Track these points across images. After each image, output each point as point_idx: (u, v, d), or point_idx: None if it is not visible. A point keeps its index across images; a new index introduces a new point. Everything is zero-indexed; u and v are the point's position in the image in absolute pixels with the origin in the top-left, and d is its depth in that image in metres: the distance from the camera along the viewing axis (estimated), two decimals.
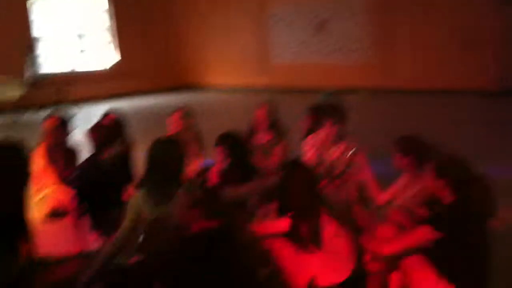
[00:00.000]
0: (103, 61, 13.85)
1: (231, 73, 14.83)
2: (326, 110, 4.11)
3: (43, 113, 10.59)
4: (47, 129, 4.61)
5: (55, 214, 4.24)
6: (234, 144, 3.85)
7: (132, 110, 11.59)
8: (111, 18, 13.89)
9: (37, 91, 11.04)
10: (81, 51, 13.43)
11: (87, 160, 4.02)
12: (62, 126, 4.64)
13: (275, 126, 4.98)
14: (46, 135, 4.63)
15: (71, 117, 4.85)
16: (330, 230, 2.84)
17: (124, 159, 4.23)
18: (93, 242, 3.64)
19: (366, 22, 12.20)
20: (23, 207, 3.33)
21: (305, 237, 2.84)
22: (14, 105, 10.48)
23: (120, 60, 13.98)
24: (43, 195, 4.54)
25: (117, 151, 4.04)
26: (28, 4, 12.14)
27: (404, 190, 3.51)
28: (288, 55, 14.00)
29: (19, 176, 3.16)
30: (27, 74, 10.78)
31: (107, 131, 4.02)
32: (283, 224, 2.93)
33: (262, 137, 5.01)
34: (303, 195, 2.87)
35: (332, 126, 4.01)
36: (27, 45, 10.99)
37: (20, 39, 11.15)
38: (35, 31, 12.38)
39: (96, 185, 3.82)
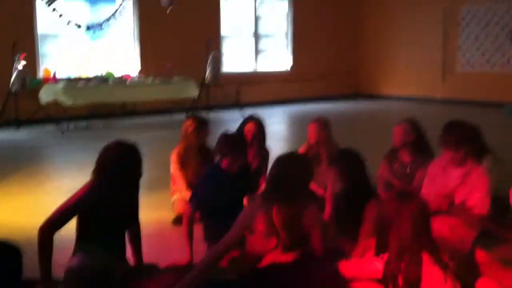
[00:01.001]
0: (279, 64, 14.07)
1: (409, 81, 14.10)
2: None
3: (220, 113, 11.12)
4: (184, 131, 4.70)
5: (179, 220, 4.30)
6: (354, 165, 3.43)
7: (300, 114, 11.62)
8: (289, 22, 14.03)
9: (216, 90, 11.51)
10: (259, 52, 13.75)
11: (210, 167, 3.97)
12: (200, 129, 4.69)
13: (419, 145, 4.45)
14: (183, 137, 4.72)
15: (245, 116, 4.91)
16: (433, 278, 2.38)
17: (248, 170, 4.09)
18: (203, 252, 3.57)
19: None
20: (135, 208, 3.38)
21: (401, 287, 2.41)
22: (193, 104, 11.07)
23: (295, 65, 14.08)
24: (173, 199, 4.65)
25: (243, 161, 3.91)
26: (220, 2, 12.71)
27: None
28: (476, 63, 12.88)
29: (132, 176, 3.20)
30: (207, 73, 11.27)
31: (237, 142, 3.88)
32: (377, 266, 2.52)
33: (404, 157, 4.52)
34: (411, 233, 2.44)
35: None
36: (208, 43, 11.44)
37: (205, 38, 11.65)
38: (222, 30, 12.92)
39: (216, 195, 3.74)
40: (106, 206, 3.08)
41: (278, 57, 14.08)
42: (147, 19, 11.59)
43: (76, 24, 10.86)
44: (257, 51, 13.69)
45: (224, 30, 13.01)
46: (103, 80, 10.27)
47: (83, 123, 10.06)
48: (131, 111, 11.12)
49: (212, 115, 10.40)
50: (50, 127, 9.55)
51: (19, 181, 6.09)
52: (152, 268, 3.37)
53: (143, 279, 3.17)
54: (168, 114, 11.00)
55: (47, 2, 10.41)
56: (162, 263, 3.44)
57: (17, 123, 9.57)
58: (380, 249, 2.57)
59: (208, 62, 11.29)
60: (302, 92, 13.85)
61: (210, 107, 11.55)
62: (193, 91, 10.95)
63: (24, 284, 3.01)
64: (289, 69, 14.07)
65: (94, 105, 10.34)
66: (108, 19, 11.25)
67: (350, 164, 3.41)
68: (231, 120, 9.74)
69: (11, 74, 9.31)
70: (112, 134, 9.24)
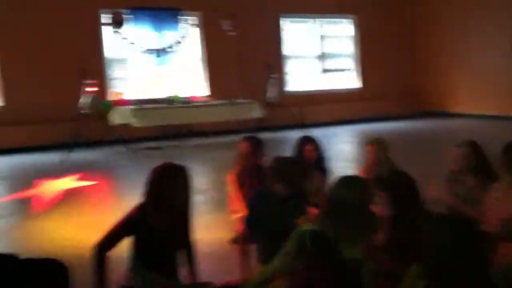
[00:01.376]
0: (345, 84, 13.99)
1: (482, 99, 13.56)
2: None
3: (284, 133, 11.13)
4: (240, 152, 4.73)
5: (236, 240, 4.31)
6: (402, 190, 3.25)
7: (366, 134, 11.43)
8: (355, 42, 13.95)
9: (281, 110, 11.57)
10: (324, 72, 13.73)
11: (260, 190, 3.95)
12: (256, 149, 4.70)
13: (482, 168, 4.25)
14: (239, 158, 4.75)
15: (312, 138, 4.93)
16: None
17: (301, 193, 4.05)
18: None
19: None
20: (186, 229, 3.43)
21: None
22: (258, 124, 11.17)
23: (361, 84, 13.95)
24: (232, 219, 4.67)
25: (296, 189, 3.86)
26: (280, 22, 12.84)
27: None
28: None
29: (178, 198, 3.25)
30: (268, 94, 11.38)
31: (290, 169, 3.83)
32: None
33: (467, 181, 4.33)
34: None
35: None
36: (267, 66, 11.56)
37: (267, 59, 11.78)
38: (284, 50, 13.00)
39: (266, 218, 3.72)
40: (154, 227, 3.14)
41: (343, 77, 14.00)
42: (211, 43, 11.87)
43: (144, 49, 11.27)
44: (322, 71, 13.68)
45: (287, 50, 13.11)
46: (170, 102, 10.57)
47: (151, 144, 10.36)
48: (199, 131, 11.35)
49: (276, 135, 10.45)
50: (119, 148, 9.88)
51: (88, 199, 6.33)
52: (206, 286, 3.40)
53: None
54: (234, 134, 11.14)
55: (114, 28, 10.86)
56: (219, 281, 3.47)
57: (88, 144, 9.98)
58: None
59: (269, 83, 11.43)
60: (369, 112, 13.67)
61: (274, 128, 11.61)
62: (257, 112, 11.06)
63: None
64: (355, 88, 13.96)
65: (162, 126, 10.65)
66: (172, 45, 11.60)
67: (397, 188, 3.24)
68: (295, 140, 9.74)
69: (79, 98, 9.75)
70: (179, 154, 9.51)
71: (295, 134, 10.90)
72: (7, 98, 10.25)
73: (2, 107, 10.26)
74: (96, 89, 9.71)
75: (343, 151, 9.57)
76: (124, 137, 10.08)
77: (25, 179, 7.58)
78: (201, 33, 11.98)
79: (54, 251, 4.43)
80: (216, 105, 10.86)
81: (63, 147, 9.30)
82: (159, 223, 3.18)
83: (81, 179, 7.56)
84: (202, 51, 12.05)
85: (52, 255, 4.04)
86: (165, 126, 10.71)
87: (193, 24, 11.96)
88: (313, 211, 4.15)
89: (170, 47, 11.60)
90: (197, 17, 11.94)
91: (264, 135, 10.44)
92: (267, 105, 11.54)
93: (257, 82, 11.70)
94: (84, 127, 9.87)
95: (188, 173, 3.27)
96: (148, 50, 11.39)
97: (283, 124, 11.81)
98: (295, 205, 3.83)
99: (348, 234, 2.88)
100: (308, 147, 4.76)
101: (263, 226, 3.73)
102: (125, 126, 10.07)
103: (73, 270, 3.31)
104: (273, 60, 12.25)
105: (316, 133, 11.54)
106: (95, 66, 10.57)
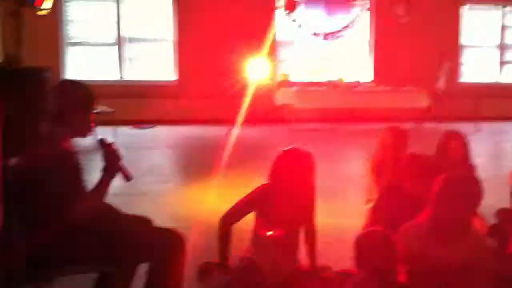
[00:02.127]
0: None
1: None
2: None
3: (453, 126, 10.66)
4: (381, 141, 4.68)
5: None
6: None
7: None
8: None
9: (451, 102, 11.02)
10: (504, 63, 12.75)
11: (390, 185, 3.91)
12: (398, 140, 4.62)
13: None
14: (380, 147, 4.71)
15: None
16: None
17: None
18: None
19: None
20: (308, 212, 3.54)
21: None
22: (424, 115, 10.78)
23: None
24: (367, 208, 4.66)
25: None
26: (460, 10, 12.16)
27: None
28: None
29: (302, 182, 3.38)
30: (440, 84, 10.88)
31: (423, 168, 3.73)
32: None
33: None
34: None
35: None
36: (442, 54, 11.02)
37: (441, 48, 11.28)
38: (462, 39, 12.33)
39: (394, 212, 3.68)
40: (277, 208, 3.30)
41: None
42: (382, 29, 11.64)
43: (313, 33, 11.44)
44: (501, 62, 12.69)
45: (464, 39, 12.37)
46: (334, 86, 10.63)
47: (311, 126, 10.56)
48: (360, 117, 11.27)
49: (443, 127, 9.99)
50: (281, 128, 10.23)
51: (243, 174, 6.71)
52: (323, 271, 3.49)
53: (309, 279, 3.31)
54: (397, 123, 10.86)
55: (286, 12, 11.17)
56: (338, 269, 3.53)
57: (253, 122, 10.48)
58: None
59: (442, 72, 10.88)
60: None
61: (442, 119, 11.09)
62: (424, 101, 10.66)
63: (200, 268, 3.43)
64: None
65: (324, 109, 10.78)
66: (344, 29, 11.60)
67: None
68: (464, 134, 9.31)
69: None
70: (337, 138, 9.60)
71: (464, 128, 10.41)
72: (180, 74, 11.11)
73: (176, 81, 11.15)
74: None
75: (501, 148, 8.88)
76: (286, 118, 10.39)
77: (190, 150, 8.28)
78: (371, 17, 11.79)
79: (190, 218, 4.82)
80: (380, 91, 10.69)
81: (230, 122, 9.88)
82: (282, 206, 3.33)
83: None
84: (370, 35, 11.88)
85: (188, 221, 4.46)
86: (327, 109, 10.81)
87: (364, 9, 11.81)
88: None
89: (339, 31, 11.62)
90: (369, 1, 11.77)
91: (430, 126, 10.10)
92: (436, 95, 11.05)
93: (428, 70, 11.23)
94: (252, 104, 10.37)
95: (313, 159, 3.36)
96: (317, 33, 11.53)
97: (453, 116, 11.21)
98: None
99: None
100: (453, 144, 4.55)
101: (388, 220, 3.69)
102: (288, 106, 10.38)
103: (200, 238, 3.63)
104: (448, 49, 11.65)
105: (489, 128, 10.87)
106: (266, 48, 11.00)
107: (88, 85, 2.85)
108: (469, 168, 4.59)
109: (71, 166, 2.61)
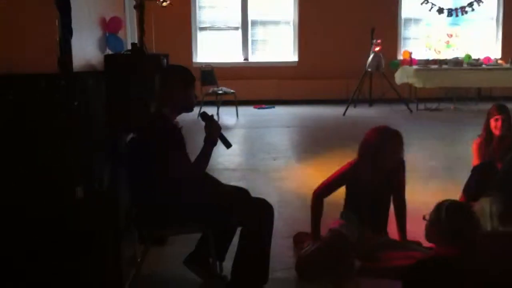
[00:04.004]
0: None
1: None
2: None
3: None
4: (487, 121, 4.63)
5: None
6: None
7: None
8: None
9: None
10: None
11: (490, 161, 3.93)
12: (502, 120, 4.53)
13: None
14: (485, 127, 4.65)
15: None
16: None
17: None
18: None
19: None
20: (397, 187, 3.69)
21: None
22: None
23: None
24: None
25: None
26: None
27: None
28: None
29: (391, 160, 3.53)
30: None
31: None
32: None
33: None
34: None
35: None
36: None
37: None
38: None
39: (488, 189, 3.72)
40: (366, 183, 3.49)
41: None
42: (510, 3, 11.03)
43: (439, 9, 11.11)
44: None
45: None
46: (457, 64, 10.30)
47: (433, 105, 10.35)
48: (487, 96, 10.81)
49: None
50: (400, 107, 10.16)
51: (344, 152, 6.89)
52: (412, 245, 3.62)
53: (395, 252, 3.47)
54: None
55: None
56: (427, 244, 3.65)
57: (370, 101, 10.51)
58: None
59: None
60: None
61: None
62: None
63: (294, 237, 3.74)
64: None
65: (447, 88, 10.50)
66: (471, 4, 11.13)
67: None
68: None
69: (368, 56, 10.22)
70: (460, 118, 9.35)
71: None
72: (301, 56, 11.39)
73: (296, 63, 11.45)
74: (379, 48, 10.05)
75: None
76: (405, 97, 10.29)
77: (306, 128, 8.57)
78: None
79: (294, 192, 5.13)
80: (508, 69, 10.17)
81: (347, 102, 10.02)
82: (372, 180, 3.52)
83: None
84: (498, 10, 11.28)
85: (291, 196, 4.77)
86: (451, 88, 10.52)
87: None
88: None
89: (467, 6, 11.17)
90: None
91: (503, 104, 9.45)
92: None
93: None
94: (368, 84, 10.41)
95: (401, 137, 3.50)
96: (443, 9, 11.19)
97: None
98: None
99: None
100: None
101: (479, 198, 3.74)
102: (408, 85, 10.27)
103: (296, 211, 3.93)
104: None
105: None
106: (388, 25, 10.93)
107: (186, 67, 3.24)
108: None
109: (177, 139, 3.00)
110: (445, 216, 2.35)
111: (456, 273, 2.28)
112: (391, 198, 3.67)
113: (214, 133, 3.06)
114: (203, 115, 3.09)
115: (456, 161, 6.23)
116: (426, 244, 3.60)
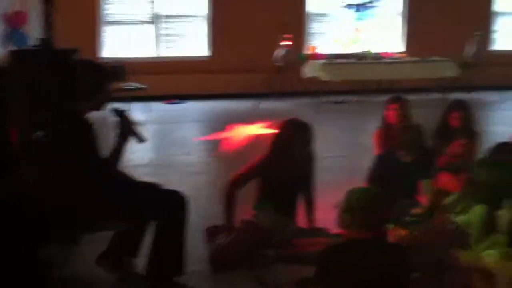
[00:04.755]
0: None
1: None
2: None
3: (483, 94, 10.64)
4: (385, 112, 4.93)
5: None
6: None
7: None
8: None
9: (481, 71, 11.02)
10: None
11: (386, 153, 4.19)
12: (399, 109, 4.85)
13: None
14: (385, 118, 4.95)
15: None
16: None
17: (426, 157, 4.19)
18: None
19: None
20: (307, 177, 3.86)
21: None
22: (452, 84, 10.83)
23: None
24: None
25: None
26: None
27: None
28: None
29: (301, 151, 3.69)
30: (470, 53, 10.89)
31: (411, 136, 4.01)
32: None
33: None
34: None
35: None
36: (473, 23, 11.01)
37: (474, 16, 11.27)
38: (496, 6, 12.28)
39: (389, 180, 3.95)
40: (278, 173, 3.63)
41: None
42: None
43: (344, 4, 11.53)
44: None
45: (498, 6, 12.25)
46: (361, 58, 10.76)
47: (339, 98, 10.76)
48: (388, 88, 11.35)
49: (473, 96, 10.07)
50: (308, 100, 10.47)
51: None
52: (318, 231, 3.82)
53: (305, 238, 3.65)
54: (425, 93, 10.96)
55: None
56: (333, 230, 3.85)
57: (281, 94, 10.78)
58: None
59: (473, 41, 10.89)
60: None
61: (470, 88, 11.12)
62: (451, 71, 10.69)
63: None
64: None
65: (351, 81, 10.95)
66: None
67: None
68: (493, 102, 9.53)
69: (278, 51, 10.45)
70: (363, 110, 9.78)
71: (492, 97, 10.48)
72: (214, 49, 11.46)
73: (209, 57, 11.51)
74: (290, 43, 10.30)
75: None
76: (312, 90, 10.61)
77: (218, 123, 8.64)
78: None
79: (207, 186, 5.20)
80: (407, 62, 10.77)
81: (257, 96, 10.20)
82: (281, 172, 3.66)
83: (268, 127, 8.32)
84: (403, 5, 11.91)
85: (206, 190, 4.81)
86: (355, 81, 10.98)
87: None
88: (444, 176, 4.26)
89: (371, 1, 11.64)
90: None
91: (457, 96, 10.14)
92: (466, 65, 11.05)
93: (460, 40, 11.22)
94: (277, 78, 10.64)
95: (311, 130, 3.67)
96: (348, 4, 11.60)
97: (483, 84, 11.20)
98: (420, 168, 4.03)
99: None
100: (455, 114, 4.75)
101: (387, 187, 3.98)
102: (315, 79, 10.60)
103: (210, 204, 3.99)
104: (479, 17, 11.58)
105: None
106: (295, 20, 11.20)
107: (102, 63, 3.22)
108: (471, 135, 4.79)
109: (89, 135, 2.98)
110: (356, 202, 2.51)
111: (367, 256, 2.45)
112: (301, 187, 3.84)
113: (127, 128, 3.07)
114: (115, 110, 3.09)
115: (359, 150, 6.57)
116: (332, 230, 3.83)
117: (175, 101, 10.68)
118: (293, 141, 3.63)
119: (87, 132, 2.98)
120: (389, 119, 4.88)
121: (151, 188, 3.26)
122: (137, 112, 9.34)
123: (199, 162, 6.34)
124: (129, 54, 11.02)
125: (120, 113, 3.09)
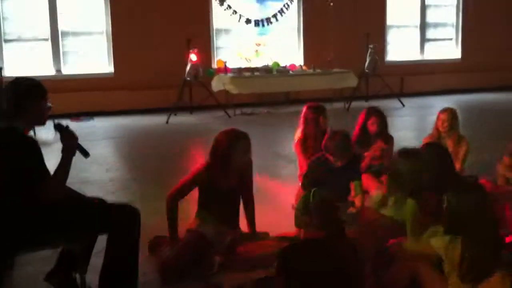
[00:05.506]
0: (446, 54, 13.77)
1: None
2: None
3: (380, 102, 11.30)
4: (304, 119, 5.16)
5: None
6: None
7: (467, 105, 11.30)
8: (459, 12, 13.73)
9: (377, 80, 11.73)
10: (425, 41, 13.63)
11: (318, 158, 4.42)
12: (318, 116, 5.09)
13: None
14: (303, 125, 5.17)
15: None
16: None
17: (356, 161, 4.45)
18: None
19: None
20: (246, 185, 3.97)
21: None
22: (353, 93, 11.45)
23: (464, 55, 13.74)
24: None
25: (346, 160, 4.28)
26: None
27: None
28: None
29: (238, 160, 3.79)
30: (366, 64, 11.56)
31: (341, 142, 4.25)
32: None
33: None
34: None
35: None
36: (367, 36, 11.72)
37: (367, 29, 11.96)
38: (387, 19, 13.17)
39: (322, 183, 4.15)
40: (217, 183, 3.72)
41: (445, 47, 13.77)
42: (310, 13, 12.19)
43: (247, 20, 11.84)
44: (423, 41, 13.55)
45: (389, 20, 13.12)
46: (268, 71, 11.10)
47: (248, 110, 11.01)
48: (295, 99, 11.78)
49: (371, 104, 10.69)
50: (219, 113, 10.62)
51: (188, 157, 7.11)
52: (262, 236, 3.95)
53: (248, 243, 3.75)
54: (328, 102, 11.48)
55: (220, 2, 11.55)
56: (275, 233, 4.00)
57: (191, 108, 10.83)
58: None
59: (368, 53, 11.57)
60: (471, 83, 13.37)
61: (369, 97, 11.82)
62: (352, 82, 11.32)
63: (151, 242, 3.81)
64: (454, 59, 13.70)
65: (260, 94, 11.24)
66: (275, 15, 12.06)
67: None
68: (391, 109, 10.22)
69: (186, 66, 10.52)
70: (274, 120, 10.10)
71: (390, 104, 11.23)
72: (116, 66, 11.29)
73: (112, 73, 11.32)
74: (196, 58, 10.41)
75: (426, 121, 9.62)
76: (223, 103, 10.78)
77: (132, 139, 8.58)
78: (299, 2, 12.30)
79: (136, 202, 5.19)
80: (312, 74, 11.25)
81: (167, 111, 10.19)
82: (222, 181, 3.74)
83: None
84: (298, 20, 12.42)
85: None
86: (263, 94, 11.29)
87: None
88: (367, 178, 4.56)
89: (273, 17, 12.04)
90: None
91: (358, 104, 10.76)
92: (364, 75, 11.73)
93: (356, 52, 11.88)
94: (187, 92, 10.70)
95: (249, 139, 3.79)
96: (250, 20, 11.91)
97: (381, 93, 11.92)
98: (350, 171, 4.29)
99: None
100: (372, 120, 5.09)
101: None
102: (225, 92, 10.77)
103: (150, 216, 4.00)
104: (373, 30, 12.34)
105: (412, 103, 11.67)
106: (202, 36, 11.33)
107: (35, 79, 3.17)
108: (387, 139, 5.16)
109: (32, 153, 2.91)
110: (313, 204, 2.67)
111: (323, 254, 2.61)
112: (242, 194, 3.95)
113: (71, 143, 3.03)
114: (58, 126, 3.05)
115: (276, 159, 6.83)
116: (274, 233, 3.98)
117: (83, 118, 10.39)
118: (232, 151, 3.71)
119: (32, 148, 2.92)
120: (308, 128, 5.11)
121: (101, 203, 3.23)
122: (44, 131, 9.01)
123: (121, 179, 6.27)
124: (30, 72, 10.59)
125: (64, 128, 3.05)
